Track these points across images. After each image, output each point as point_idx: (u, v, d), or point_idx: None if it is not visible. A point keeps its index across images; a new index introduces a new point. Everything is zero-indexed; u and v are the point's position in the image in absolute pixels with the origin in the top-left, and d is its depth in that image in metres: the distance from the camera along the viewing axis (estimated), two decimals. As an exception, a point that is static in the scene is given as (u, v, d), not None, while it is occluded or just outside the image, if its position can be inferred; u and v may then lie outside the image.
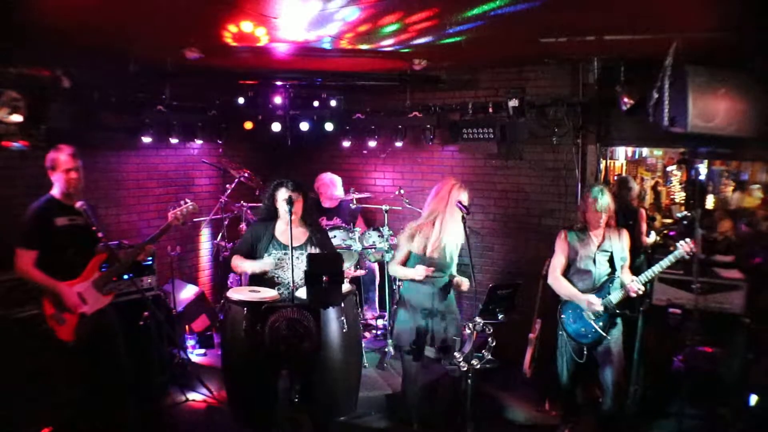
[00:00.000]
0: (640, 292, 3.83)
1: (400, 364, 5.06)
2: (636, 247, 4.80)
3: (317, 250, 4.11)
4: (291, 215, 3.83)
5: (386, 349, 5.25)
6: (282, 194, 4.02)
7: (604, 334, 3.87)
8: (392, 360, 5.13)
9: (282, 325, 3.17)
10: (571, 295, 3.95)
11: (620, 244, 3.97)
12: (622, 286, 3.86)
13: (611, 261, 3.97)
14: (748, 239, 5.13)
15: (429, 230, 3.90)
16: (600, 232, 3.98)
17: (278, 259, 4.05)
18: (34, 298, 3.67)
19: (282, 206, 4.01)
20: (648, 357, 4.33)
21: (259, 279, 4.06)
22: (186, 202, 4.00)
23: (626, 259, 3.99)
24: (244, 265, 4.03)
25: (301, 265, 4.00)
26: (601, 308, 3.83)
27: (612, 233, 3.99)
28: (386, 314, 5.37)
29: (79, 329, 3.56)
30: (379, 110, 6.20)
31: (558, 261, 4.06)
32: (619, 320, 3.95)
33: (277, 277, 4.06)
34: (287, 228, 3.96)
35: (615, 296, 3.86)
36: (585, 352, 3.96)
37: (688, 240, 3.82)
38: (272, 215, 4.14)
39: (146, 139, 5.36)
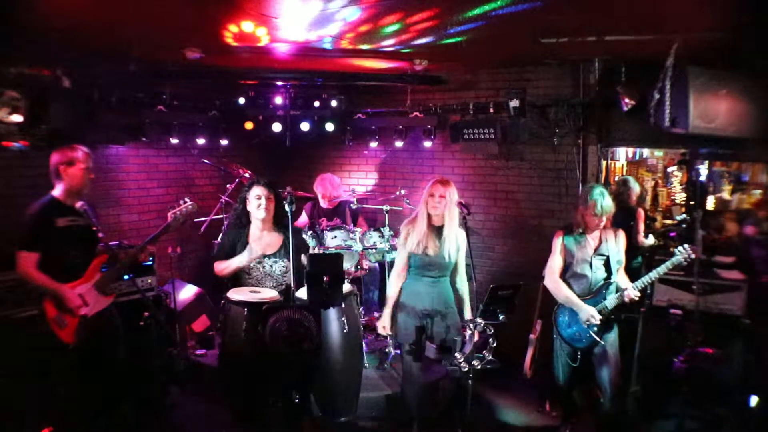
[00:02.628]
0: (636, 299, 3.79)
1: (400, 365, 5.09)
2: (633, 247, 4.78)
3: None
4: (292, 209, 3.69)
5: (387, 350, 5.24)
6: (255, 191, 3.93)
7: (599, 340, 3.83)
8: (393, 360, 5.13)
9: (282, 325, 3.16)
10: (571, 301, 3.90)
11: (616, 247, 3.92)
12: (618, 290, 3.84)
13: (607, 264, 3.91)
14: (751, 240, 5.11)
15: (416, 225, 3.90)
16: (596, 234, 3.93)
17: (251, 268, 3.93)
18: (34, 299, 3.65)
19: (254, 203, 3.93)
20: (648, 358, 4.33)
21: (240, 285, 3.99)
22: (185, 202, 3.97)
23: (622, 261, 3.94)
24: (230, 263, 3.92)
25: (276, 274, 3.94)
26: (598, 320, 3.80)
27: (608, 235, 3.93)
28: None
29: (80, 331, 3.54)
30: (379, 110, 6.20)
31: (556, 263, 3.99)
32: (614, 323, 3.92)
33: (253, 288, 3.93)
34: (261, 234, 3.96)
35: (610, 301, 3.82)
36: (579, 356, 3.94)
37: (686, 246, 3.76)
38: (243, 221, 4.03)
39: (146, 140, 5.35)
